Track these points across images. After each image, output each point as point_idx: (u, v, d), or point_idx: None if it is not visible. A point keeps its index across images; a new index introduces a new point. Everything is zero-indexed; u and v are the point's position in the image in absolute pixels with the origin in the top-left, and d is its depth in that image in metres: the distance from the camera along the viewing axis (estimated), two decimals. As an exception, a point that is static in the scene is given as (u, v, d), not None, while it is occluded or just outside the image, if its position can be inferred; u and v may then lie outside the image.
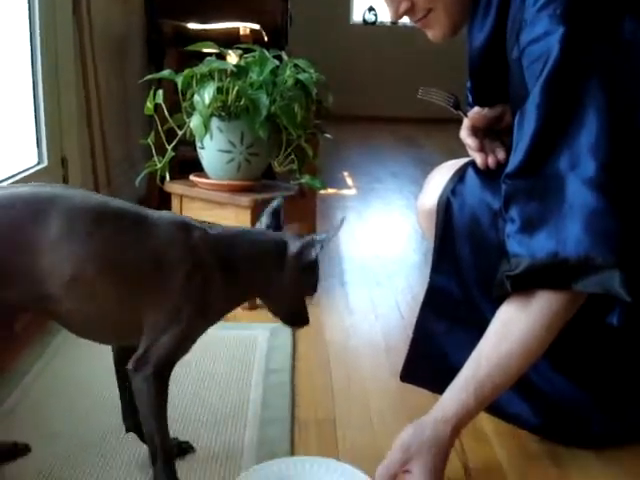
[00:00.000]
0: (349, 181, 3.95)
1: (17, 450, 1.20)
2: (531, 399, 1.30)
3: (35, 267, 0.97)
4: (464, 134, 1.35)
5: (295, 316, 1.20)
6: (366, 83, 7.62)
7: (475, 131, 1.33)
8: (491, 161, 1.29)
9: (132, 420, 1.17)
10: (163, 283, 1.03)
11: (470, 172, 1.34)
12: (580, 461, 1.26)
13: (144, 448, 1.21)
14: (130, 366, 1.04)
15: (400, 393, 1.48)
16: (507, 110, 1.32)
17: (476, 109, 1.34)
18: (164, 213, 1.10)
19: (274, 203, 1.18)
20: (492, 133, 1.33)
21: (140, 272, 1.03)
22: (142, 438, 1.16)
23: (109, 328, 1.07)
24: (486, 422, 1.37)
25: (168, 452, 1.08)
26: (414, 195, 3.62)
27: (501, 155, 1.29)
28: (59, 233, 0.97)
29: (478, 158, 1.31)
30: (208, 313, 1.08)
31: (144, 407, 1.05)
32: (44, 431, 1.27)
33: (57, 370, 1.51)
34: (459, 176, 1.36)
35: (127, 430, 1.20)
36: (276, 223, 1.16)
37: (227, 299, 1.11)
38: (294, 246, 1.10)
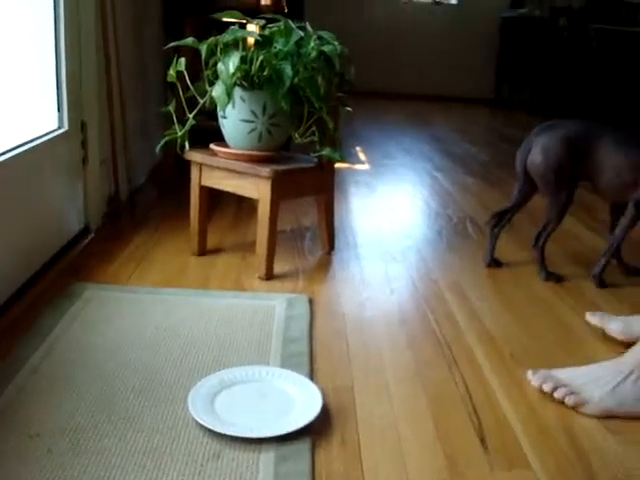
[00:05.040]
0: (362, 156, 3.95)
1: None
2: None
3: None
4: None
5: None
6: (379, 58, 7.58)
7: None
8: None
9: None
10: None
11: None
12: (595, 437, 1.28)
13: (168, 411, 1.24)
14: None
15: (416, 364, 1.50)
16: None
17: None
18: None
19: None
20: None
21: None
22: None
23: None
24: (503, 401, 1.39)
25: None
26: (426, 171, 3.64)
27: None
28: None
29: None
30: None
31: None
32: (69, 391, 1.30)
33: (78, 333, 1.53)
34: None
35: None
36: None
37: None
38: None
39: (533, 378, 1.43)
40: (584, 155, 1.98)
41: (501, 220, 2.16)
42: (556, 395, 1.37)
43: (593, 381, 1.38)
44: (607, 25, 8.05)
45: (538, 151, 2.00)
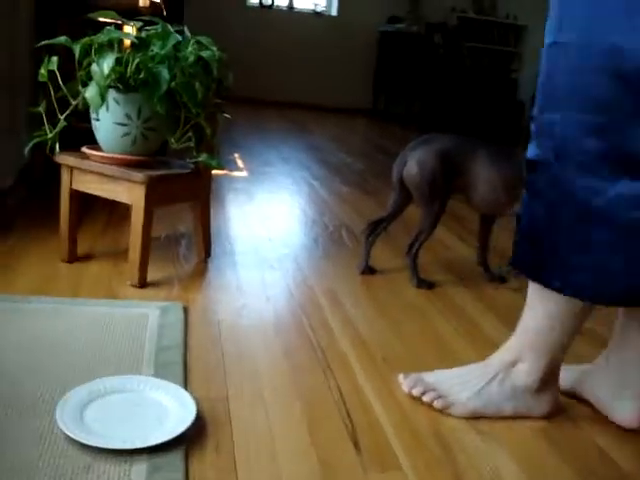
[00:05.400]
0: (240, 163, 3.94)
1: None
2: None
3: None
4: None
5: None
6: (260, 66, 7.60)
7: None
8: None
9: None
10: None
11: None
12: (463, 438, 1.33)
13: (34, 424, 1.19)
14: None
15: (291, 371, 1.51)
16: None
17: None
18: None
19: None
20: None
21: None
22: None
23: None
24: (376, 405, 1.42)
25: None
26: (304, 180, 3.68)
27: None
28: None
29: None
30: None
31: None
32: None
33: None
34: None
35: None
36: None
37: None
38: None
39: (404, 382, 1.47)
40: (458, 169, 2.05)
41: (376, 229, 2.21)
42: (424, 399, 1.41)
43: (460, 383, 1.43)
44: (479, 43, 8.42)
45: (414, 164, 2.05)
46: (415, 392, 1.43)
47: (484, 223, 2.23)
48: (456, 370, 1.48)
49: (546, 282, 1.32)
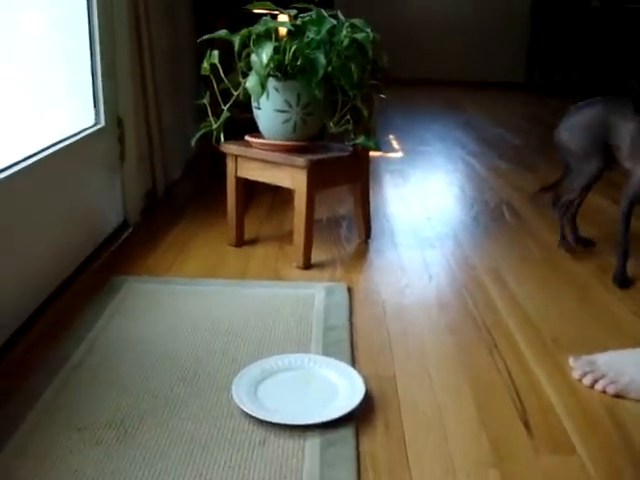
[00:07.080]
0: (395, 144, 3.94)
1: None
2: None
3: None
4: None
5: None
6: (408, 45, 7.53)
7: None
8: None
9: None
10: None
11: None
12: None
13: (211, 400, 1.26)
14: None
15: (456, 350, 1.50)
16: None
17: None
18: None
19: None
20: None
21: None
22: None
23: None
24: (546, 385, 1.39)
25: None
26: (460, 157, 3.62)
27: None
28: None
29: None
30: None
31: None
32: (113, 383, 1.32)
33: (119, 326, 1.55)
34: None
35: None
36: None
37: None
38: None
39: (574, 366, 1.42)
40: (609, 129, 1.95)
41: (561, 201, 2.17)
42: (597, 388, 1.36)
43: (635, 364, 1.36)
44: (641, 4, 7.91)
45: (563, 128, 2.04)
46: (586, 382, 1.37)
47: None
48: (630, 350, 1.42)
49: None
